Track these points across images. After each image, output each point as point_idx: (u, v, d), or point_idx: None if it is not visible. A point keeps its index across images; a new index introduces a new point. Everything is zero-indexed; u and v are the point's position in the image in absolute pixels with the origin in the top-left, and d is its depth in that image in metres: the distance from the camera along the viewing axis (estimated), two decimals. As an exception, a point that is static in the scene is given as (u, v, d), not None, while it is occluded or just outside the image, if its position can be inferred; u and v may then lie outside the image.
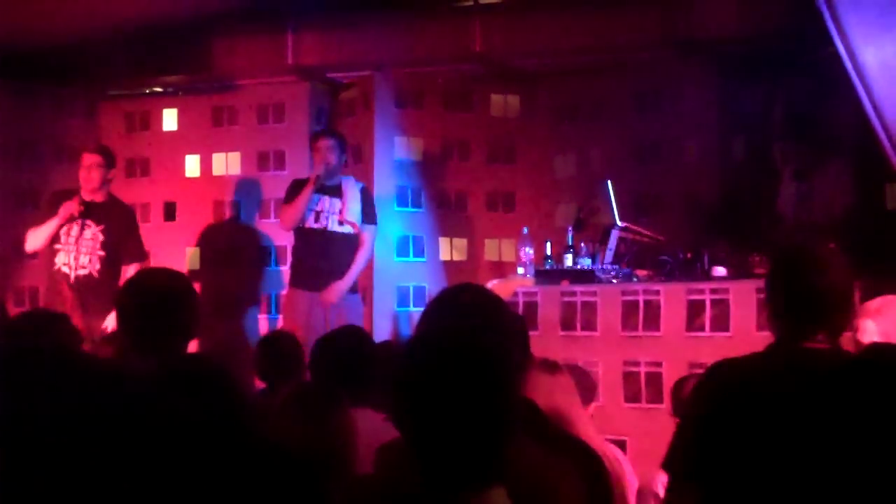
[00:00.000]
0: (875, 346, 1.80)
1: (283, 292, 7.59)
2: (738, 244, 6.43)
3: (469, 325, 2.13)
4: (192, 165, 8.49)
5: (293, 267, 7.22)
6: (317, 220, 7.11)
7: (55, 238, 6.81)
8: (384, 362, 4.11)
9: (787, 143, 6.64)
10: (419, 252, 7.97)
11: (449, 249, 8.11)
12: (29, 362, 1.97)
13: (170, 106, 8.59)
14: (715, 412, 2.88)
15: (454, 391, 1.95)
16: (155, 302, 3.36)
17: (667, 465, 2.99)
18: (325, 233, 7.09)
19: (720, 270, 6.08)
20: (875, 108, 5.28)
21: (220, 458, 2.06)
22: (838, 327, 2.97)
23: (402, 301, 7.80)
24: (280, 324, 7.63)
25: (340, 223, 7.08)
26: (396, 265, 7.80)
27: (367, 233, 7.17)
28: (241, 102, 8.36)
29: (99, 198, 6.91)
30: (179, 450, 2.07)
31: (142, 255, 7.17)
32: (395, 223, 7.81)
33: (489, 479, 1.95)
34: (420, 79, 8.14)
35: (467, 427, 1.94)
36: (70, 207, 6.78)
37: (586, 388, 4.60)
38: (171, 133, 8.57)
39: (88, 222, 6.85)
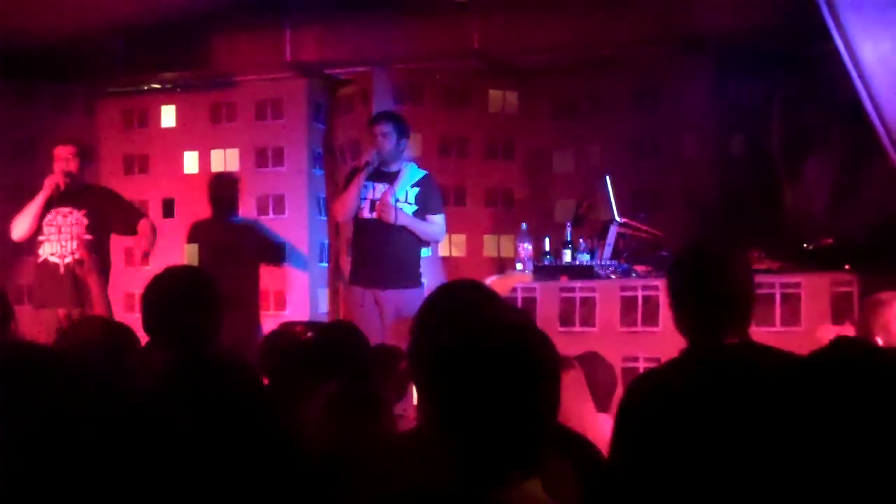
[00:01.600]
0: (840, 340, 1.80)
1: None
2: (737, 240, 6.43)
3: (514, 320, 2.12)
4: (190, 162, 8.50)
5: (351, 261, 7.07)
6: (371, 209, 6.80)
7: (38, 230, 6.82)
8: (385, 358, 4.12)
9: (808, 137, 6.63)
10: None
11: (448, 245, 8.11)
12: (28, 364, 1.98)
13: (168, 103, 8.59)
14: (641, 427, 2.88)
15: (501, 383, 1.94)
16: (179, 298, 3.38)
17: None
18: (378, 223, 6.76)
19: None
20: (873, 103, 5.28)
21: (239, 455, 2.07)
22: (746, 322, 3.01)
23: (401, 297, 7.79)
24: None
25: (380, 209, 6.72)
26: (395, 261, 7.79)
27: (432, 222, 6.90)
28: (240, 99, 8.36)
29: (75, 186, 6.92)
30: (194, 446, 2.07)
31: (139, 213, 7.20)
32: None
33: (529, 472, 1.94)
34: (419, 75, 8.14)
35: (513, 420, 1.93)
36: (54, 179, 6.80)
37: (609, 381, 4.61)
38: (169, 130, 8.58)
39: (70, 209, 6.86)
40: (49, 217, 6.86)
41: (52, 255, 6.82)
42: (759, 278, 5.72)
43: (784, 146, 7.18)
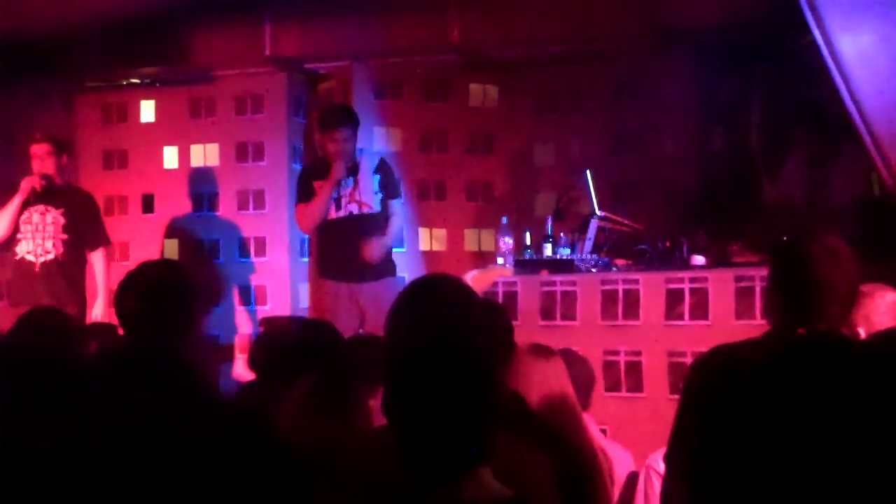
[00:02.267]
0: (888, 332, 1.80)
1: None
2: (717, 233, 6.45)
3: (449, 316, 2.14)
4: (170, 157, 8.46)
5: (319, 257, 7.04)
6: (338, 207, 6.77)
7: (15, 228, 6.80)
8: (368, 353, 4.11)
9: (801, 129, 6.63)
10: (398, 242, 7.96)
11: (429, 239, 8.11)
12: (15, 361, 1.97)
13: (147, 97, 8.55)
14: (715, 402, 2.85)
15: (437, 381, 1.98)
16: (154, 294, 3.35)
17: (667, 458, 2.95)
18: (348, 219, 6.76)
19: (699, 259, 6.10)
20: (852, 96, 5.29)
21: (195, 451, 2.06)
22: (839, 319, 2.98)
23: (382, 292, 7.79)
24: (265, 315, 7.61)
25: (362, 204, 6.73)
26: (376, 256, 7.79)
27: (393, 209, 6.87)
28: (219, 93, 8.32)
29: (52, 185, 6.89)
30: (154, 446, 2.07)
31: (106, 239, 7.18)
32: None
33: (472, 462, 1.96)
34: (399, 69, 8.13)
35: (451, 414, 1.97)
36: (30, 181, 6.78)
37: (587, 377, 4.59)
38: (148, 125, 8.54)
39: (48, 207, 6.86)
40: (26, 215, 6.85)
41: (28, 253, 6.81)
42: (739, 271, 5.78)
43: (763, 140, 7.21)
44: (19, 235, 6.84)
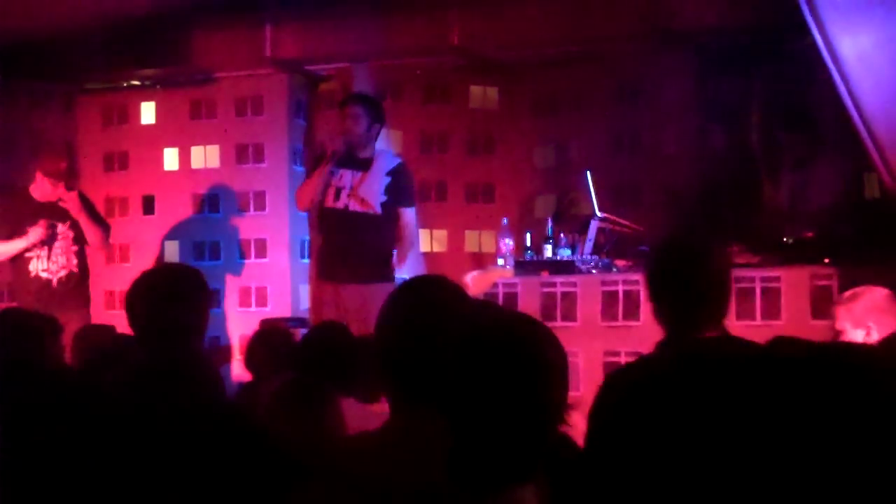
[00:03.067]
0: (780, 339, 1.78)
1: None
2: (717, 234, 6.45)
3: (518, 323, 2.11)
4: (170, 159, 8.47)
5: (317, 255, 6.74)
6: (336, 197, 6.42)
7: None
8: (367, 355, 4.12)
9: (787, 132, 6.65)
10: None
11: (429, 241, 8.12)
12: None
13: (147, 99, 8.56)
14: (618, 423, 2.82)
15: (504, 389, 1.93)
16: (163, 298, 3.35)
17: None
18: (343, 213, 6.41)
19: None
20: (853, 98, 5.30)
21: (202, 453, 2.07)
22: (722, 315, 3.00)
23: (383, 293, 7.78)
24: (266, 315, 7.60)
25: (363, 201, 6.36)
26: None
27: (405, 218, 6.48)
28: (220, 95, 8.33)
29: (54, 197, 6.92)
30: (158, 448, 2.07)
31: (105, 226, 7.17)
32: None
33: (525, 477, 1.93)
34: (399, 71, 8.13)
35: (515, 425, 1.92)
36: (37, 234, 6.80)
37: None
38: (149, 126, 8.54)
39: (55, 223, 6.89)
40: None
41: (43, 271, 6.84)
42: (738, 272, 5.78)
43: (763, 141, 7.21)
44: (29, 255, 6.86)
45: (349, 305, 6.26)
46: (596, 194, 6.51)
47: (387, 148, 6.95)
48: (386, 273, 6.43)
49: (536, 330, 2.07)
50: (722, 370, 2.63)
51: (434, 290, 2.58)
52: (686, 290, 2.99)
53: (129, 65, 8.33)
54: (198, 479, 2.00)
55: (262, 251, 8.12)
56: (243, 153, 8.24)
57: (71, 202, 6.90)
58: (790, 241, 6.08)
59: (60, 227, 6.91)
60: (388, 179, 6.48)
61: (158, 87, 8.54)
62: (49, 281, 6.85)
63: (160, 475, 1.94)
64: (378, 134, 6.57)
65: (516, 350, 1.97)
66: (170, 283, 3.43)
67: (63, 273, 6.87)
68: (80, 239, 6.96)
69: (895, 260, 5.22)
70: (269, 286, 8.13)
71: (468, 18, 7.59)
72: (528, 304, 6.20)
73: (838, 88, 5.33)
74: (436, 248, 8.15)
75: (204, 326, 3.47)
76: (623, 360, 5.85)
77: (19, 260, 6.88)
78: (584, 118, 7.96)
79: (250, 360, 4.99)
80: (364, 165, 6.46)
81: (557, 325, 6.08)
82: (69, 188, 6.98)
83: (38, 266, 6.87)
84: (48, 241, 6.86)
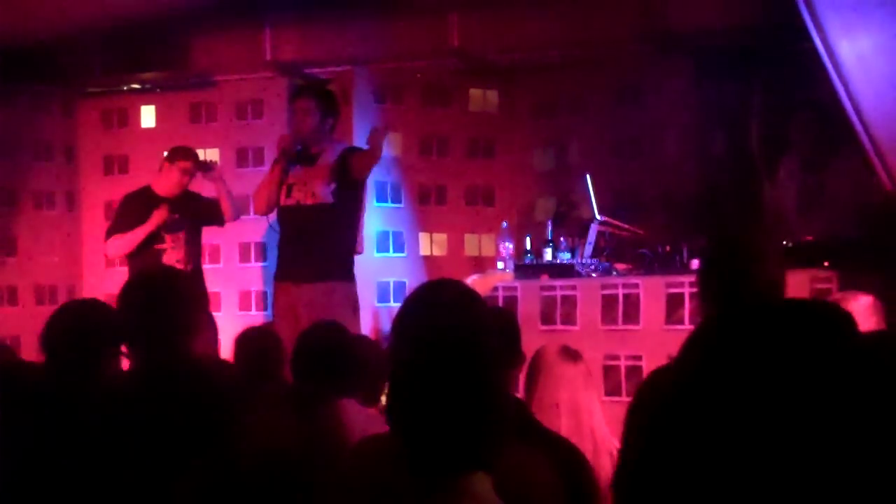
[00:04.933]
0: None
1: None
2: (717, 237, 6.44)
3: (451, 320, 2.15)
4: (170, 162, 8.46)
5: (277, 256, 6.52)
6: (288, 195, 6.22)
7: (154, 239, 6.78)
8: (364, 357, 4.12)
9: (786, 135, 6.64)
10: (399, 247, 7.98)
11: (429, 245, 8.12)
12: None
13: (148, 103, 8.56)
14: (657, 425, 2.78)
15: (437, 384, 1.99)
16: (154, 300, 3.34)
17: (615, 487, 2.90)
18: (296, 209, 6.21)
19: (699, 263, 6.10)
20: (852, 101, 5.30)
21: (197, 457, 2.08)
22: None
23: (383, 296, 7.80)
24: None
25: (313, 194, 6.13)
26: (376, 261, 7.80)
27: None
28: (220, 99, 8.33)
29: (177, 192, 6.92)
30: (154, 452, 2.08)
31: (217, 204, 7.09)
32: (374, 219, 7.81)
33: (469, 466, 1.97)
34: (399, 74, 8.13)
35: (449, 416, 1.97)
36: (161, 215, 6.76)
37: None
38: (149, 130, 8.55)
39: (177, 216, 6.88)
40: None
41: (177, 261, 6.79)
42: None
43: (763, 144, 7.21)
44: (160, 246, 6.81)
45: (304, 305, 6.04)
46: (596, 198, 6.51)
47: (341, 141, 6.68)
48: (339, 271, 6.22)
49: (469, 314, 2.13)
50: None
51: (449, 294, 2.59)
52: (743, 291, 2.89)
53: (129, 68, 8.34)
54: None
55: (262, 254, 8.12)
56: (243, 157, 8.24)
57: (215, 177, 6.87)
58: (790, 244, 6.07)
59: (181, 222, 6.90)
60: (334, 165, 6.22)
61: (159, 90, 8.54)
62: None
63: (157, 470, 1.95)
64: (332, 127, 6.37)
65: (449, 337, 2.04)
66: (162, 286, 3.42)
67: (190, 267, 6.83)
68: (195, 237, 6.95)
69: (894, 263, 5.22)
70: (269, 290, 8.12)
71: (468, 22, 7.60)
72: (528, 308, 6.20)
73: (837, 91, 5.34)
74: (436, 252, 8.15)
75: (197, 329, 3.46)
76: (623, 364, 5.85)
77: (150, 253, 6.83)
78: (584, 121, 7.97)
79: (235, 363, 4.96)
80: (314, 160, 6.26)
81: (557, 328, 6.07)
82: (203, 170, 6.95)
83: (171, 258, 6.82)
84: (172, 227, 6.82)
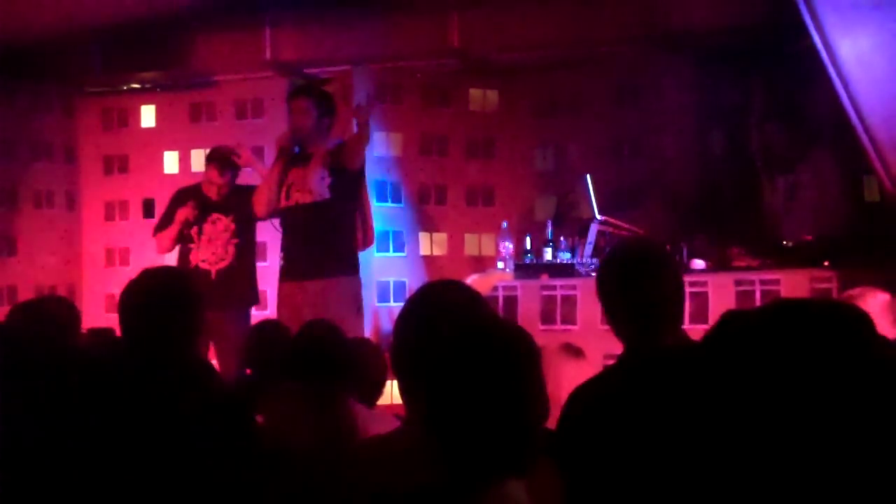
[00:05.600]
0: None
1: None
2: (717, 237, 6.46)
3: (496, 327, 2.14)
4: (170, 162, 8.48)
5: (281, 258, 6.48)
6: (287, 196, 6.21)
7: (186, 238, 6.77)
8: (358, 358, 4.12)
9: (786, 135, 6.65)
10: (399, 247, 7.98)
11: (429, 244, 8.12)
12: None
13: (148, 102, 8.57)
14: (584, 437, 2.75)
15: (482, 389, 1.97)
16: (156, 302, 3.33)
17: None
18: (295, 209, 6.19)
19: (699, 263, 6.11)
20: (851, 100, 5.31)
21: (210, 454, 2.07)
22: (679, 323, 2.91)
23: (383, 296, 7.80)
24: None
25: (310, 191, 6.10)
26: (376, 260, 7.79)
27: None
28: (220, 98, 8.34)
29: (224, 190, 6.85)
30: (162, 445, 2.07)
31: None
32: (374, 218, 7.79)
33: (508, 471, 1.95)
34: (399, 74, 8.14)
35: (493, 422, 1.95)
36: (185, 213, 6.74)
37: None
38: (149, 130, 8.55)
39: (217, 215, 6.80)
40: (197, 225, 6.80)
41: (202, 261, 6.76)
42: (739, 275, 5.79)
43: (763, 143, 7.22)
44: (191, 245, 6.79)
45: (307, 303, 6.02)
46: (596, 197, 6.51)
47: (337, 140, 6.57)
48: (343, 266, 6.18)
49: (513, 329, 2.12)
50: (679, 379, 2.59)
51: (451, 294, 2.59)
52: (644, 299, 2.84)
53: (129, 68, 8.34)
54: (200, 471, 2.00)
55: (262, 254, 8.11)
56: (243, 156, 8.23)
57: (244, 154, 6.75)
58: (790, 243, 6.08)
59: (224, 220, 6.83)
60: (326, 157, 6.17)
61: (158, 90, 8.55)
62: (208, 272, 6.77)
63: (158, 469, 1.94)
64: (330, 126, 6.32)
65: (495, 347, 2.01)
66: (163, 286, 3.41)
67: (222, 265, 6.79)
68: (242, 233, 6.79)
69: (894, 262, 5.22)
70: (269, 289, 8.12)
71: (468, 21, 7.60)
72: (528, 308, 6.20)
73: (837, 90, 5.34)
74: (436, 252, 8.15)
75: (198, 329, 3.45)
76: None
77: (183, 251, 6.79)
78: (584, 121, 7.97)
79: (246, 355, 4.95)
80: (310, 160, 6.20)
81: (557, 328, 6.07)
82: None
83: (199, 256, 6.75)
84: (195, 222, 6.74)
